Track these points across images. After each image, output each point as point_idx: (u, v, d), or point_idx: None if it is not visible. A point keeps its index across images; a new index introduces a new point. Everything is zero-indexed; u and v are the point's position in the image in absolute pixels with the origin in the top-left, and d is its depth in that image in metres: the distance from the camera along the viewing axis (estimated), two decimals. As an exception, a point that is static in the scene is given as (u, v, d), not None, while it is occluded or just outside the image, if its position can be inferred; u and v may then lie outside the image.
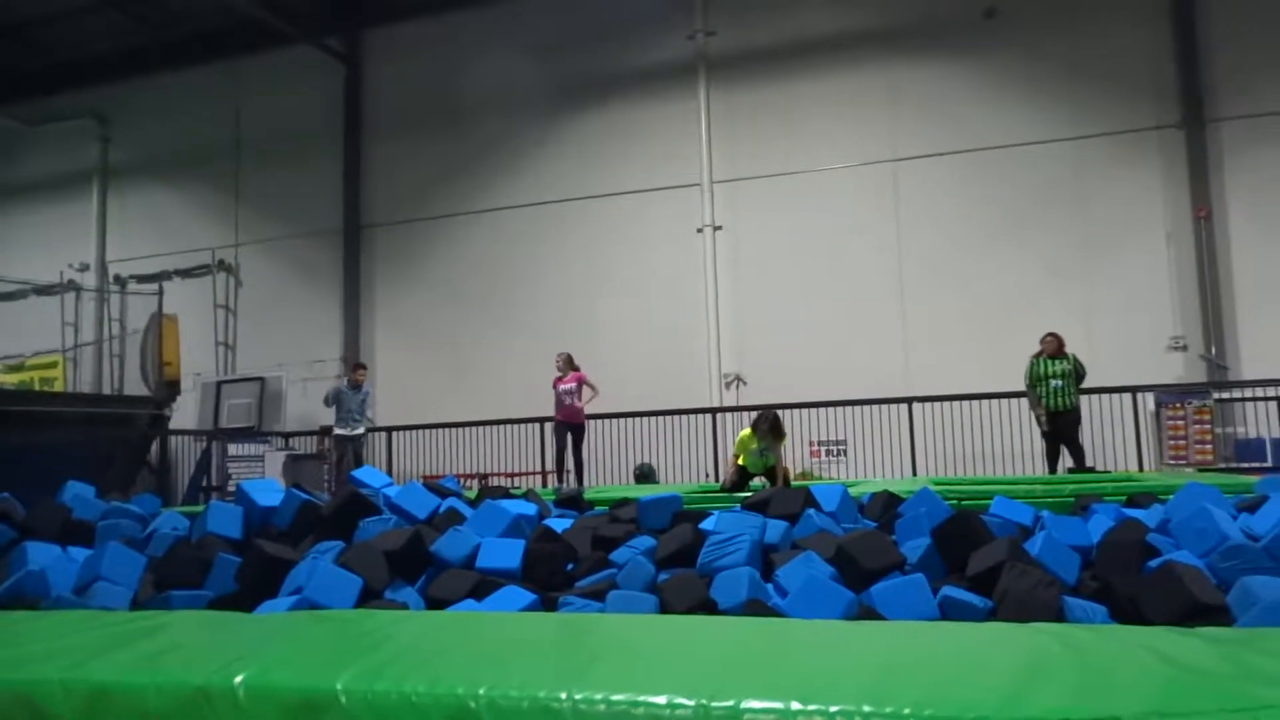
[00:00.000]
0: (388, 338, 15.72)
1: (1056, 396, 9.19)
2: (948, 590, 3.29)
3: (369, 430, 11.48)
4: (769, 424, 8.24)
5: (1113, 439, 10.59)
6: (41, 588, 4.07)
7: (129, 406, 12.90)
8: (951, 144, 13.01)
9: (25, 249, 18.01)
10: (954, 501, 5.70)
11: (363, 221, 16.02)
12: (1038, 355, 9.38)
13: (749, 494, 6.23)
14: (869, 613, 3.19)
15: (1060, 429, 9.30)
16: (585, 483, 10.50)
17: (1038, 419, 9.59)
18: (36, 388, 15.65)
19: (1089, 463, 9.63)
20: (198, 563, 4.19)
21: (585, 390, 10.18)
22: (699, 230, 13.90)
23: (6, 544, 4.97)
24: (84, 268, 17.81)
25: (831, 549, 3.81)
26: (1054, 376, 9.20)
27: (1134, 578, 3.38)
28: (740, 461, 8.36)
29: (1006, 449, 11.57)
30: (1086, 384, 9.59)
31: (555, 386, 10.32)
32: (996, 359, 12.21)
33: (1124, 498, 5.52)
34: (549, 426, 13.14)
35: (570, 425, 10.16)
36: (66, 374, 16.41)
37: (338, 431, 11.26)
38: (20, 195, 18.58)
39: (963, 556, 3.67)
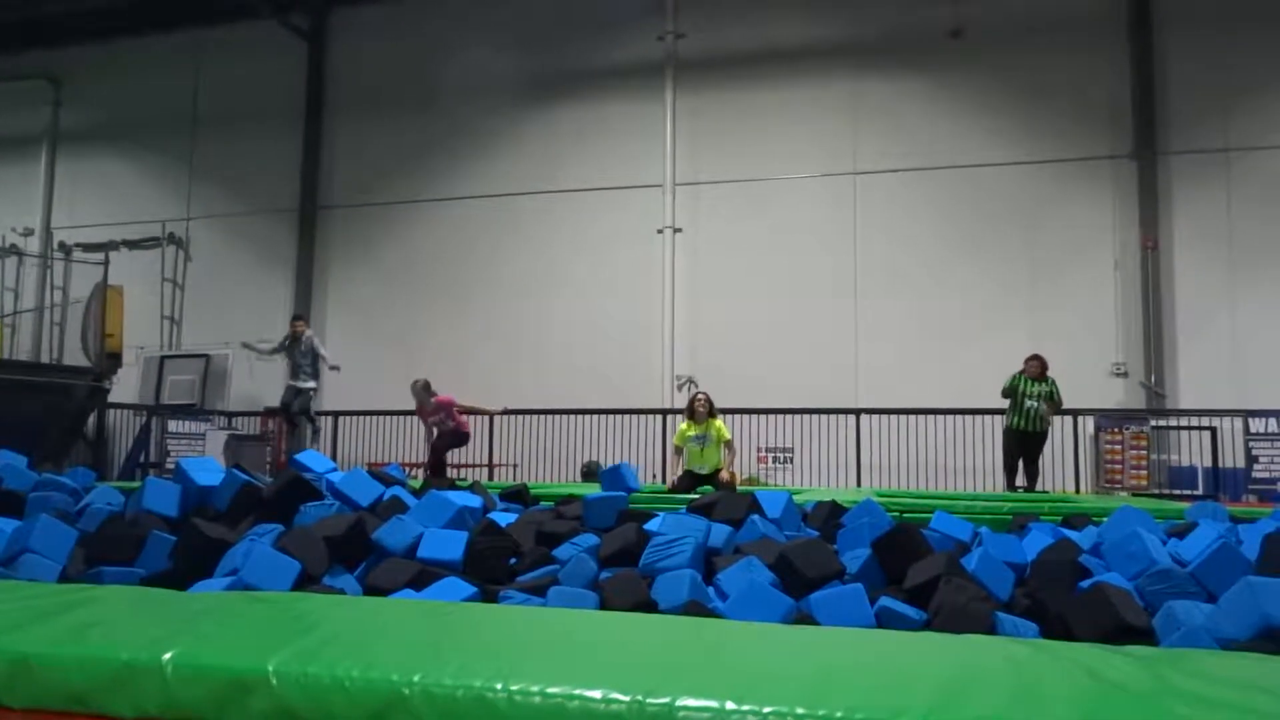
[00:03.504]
0: (339, 322, 15.52)
1: (1030, 418, 9.36)
2: (885, 601, 3.34)
3: (311, 386, 11.37)
4: (706, 402, 8.33)
5: (1051, 460, 10.81)
6: (-35, 557, 3.96)
7: (67, 376, 12.58)
8: (910, 160, 13.20)
9: (-34, 209, 17.48)
10: (896, 514, 5.75)
11: (319, 203, 15.80)
12: (1021, 373, 9.51)
13: (695, 496, 6.25)
14: (807, 620, 3.21)
15: (1028, 448, 9.49)
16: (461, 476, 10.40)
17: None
18: (-29, 353, 15.17)
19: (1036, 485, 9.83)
20: (131, 539, 4.10)
21: (455, 414, 9.73)
22: (659, 231, 13.94)
23: (-70, 511, 4.82)
24: (28, 232, 17.33)
25: (773, 555, 3.83)
26: (1030, 397, 9.36)
27: (1065, 596, 3.45)
28: (689, 466, 8.40)
29: (950, 465, 11.76)
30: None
31: (422, 416, 9.91)
32: (945, 375, 12.43)
33: (1060, 518, 5.64)
34: (499, 420, 13.11)
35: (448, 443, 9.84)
36: (3, 340, 15.94)
37: (288, 383, 11.50)
38: (-36, 154, 18.02)
39: (902, 568, 3.71)
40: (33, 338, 16.55)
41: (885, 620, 3.23)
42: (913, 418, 11.89)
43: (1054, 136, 12.75)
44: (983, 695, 1.82)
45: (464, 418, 9.79)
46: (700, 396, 8.54)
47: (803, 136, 13.61)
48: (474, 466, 12.96)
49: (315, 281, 15.67)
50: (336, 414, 14.00)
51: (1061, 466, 11.18)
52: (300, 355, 11.36)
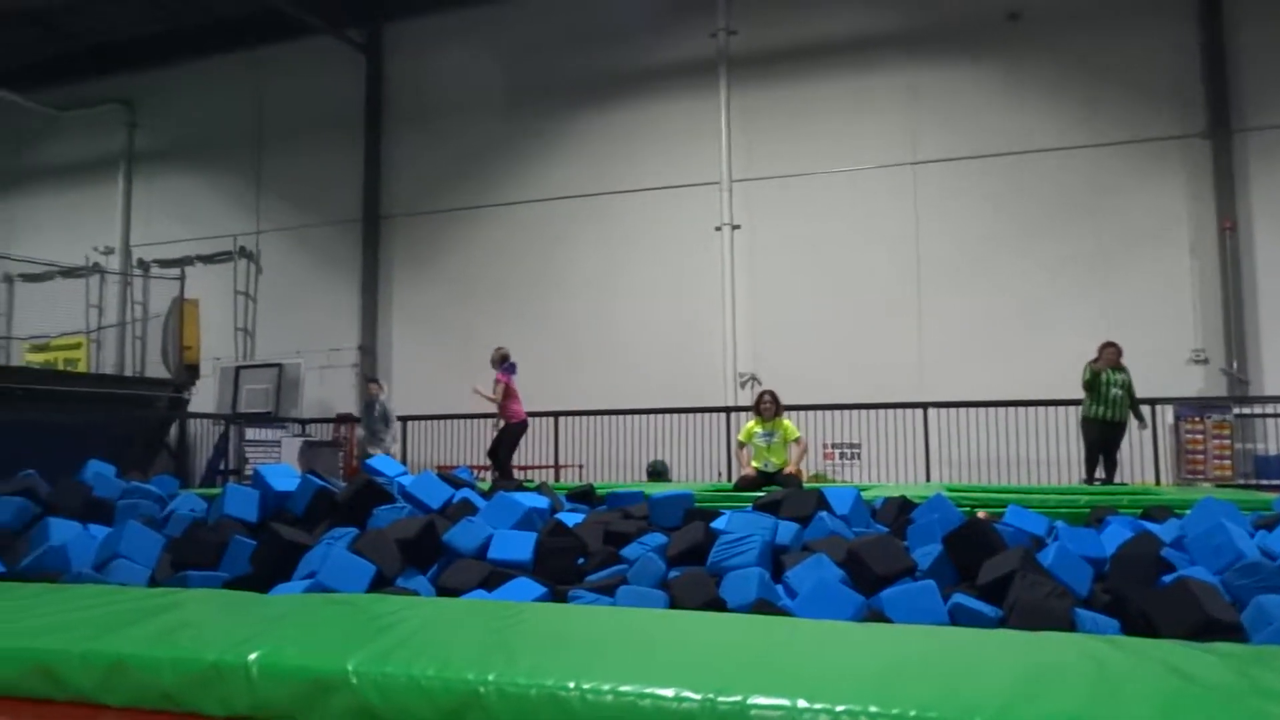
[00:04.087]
0: (404, 328, 15.79)
1: (1115, 407, 9.13)
2: (958, 598, 3.28)
3: (386, 446, 11.42)
4: (773, 400, 8.42)
5: (1130, 452, 10.52)
6: (62, 563, 4.14)
7: (150, 389, 13.03)
8: (971, 148, 12.94)
9: (52, 232, 18.18)
10: (967, 509, 5.67)
11: (382, 212, 16.09)
12: (1096, 361, 9.25)
13: (762, 494, 6.23)
14: (878, 617, 3.19)
15: (1110, 439, 9.26)
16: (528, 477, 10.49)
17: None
18: (61, 368, 15.81)
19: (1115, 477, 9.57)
20: (214, 544, 4.25)
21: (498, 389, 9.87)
22: (717, 229, 13.90)
23: (30, 520, 5.05)
24: (108, 251, 17.97)
25: (842, 552, 3.80)
26: (1114, 386, 9.14)
27: (1147, 592, 3.35)
28: (755, 464, 8.39)
29: (1023, 457, 11.51)
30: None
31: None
32: (1014, 366, 12.16)
33: (1140, 510, 5.49)
34: (564, 421, 13.24)
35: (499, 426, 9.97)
36: (89, 355, 16.58)
37: (368, 449, 11.48)
38: (48, 179, 18.73)
39: (974, 564, 3.64)
40: (116, 352, 17.18)
41: (958, 617, 3.17)
42: (982, 410, 11.67)
43: (1120, 118, 12.37)
44: (1060, 693, 1.78)
45: (518, 405, 9.99)
46: (767, 395, 8.55)
47: (859, 128, 13.44)
48: (540, 468, 13.08)
49: (380, 289, 15.98)
50: (405, 419, 14.25)
51: (1141, 458, 10.87)
52: (374, 419, 11.47)
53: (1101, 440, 9.25)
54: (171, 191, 17.72)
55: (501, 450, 10.09)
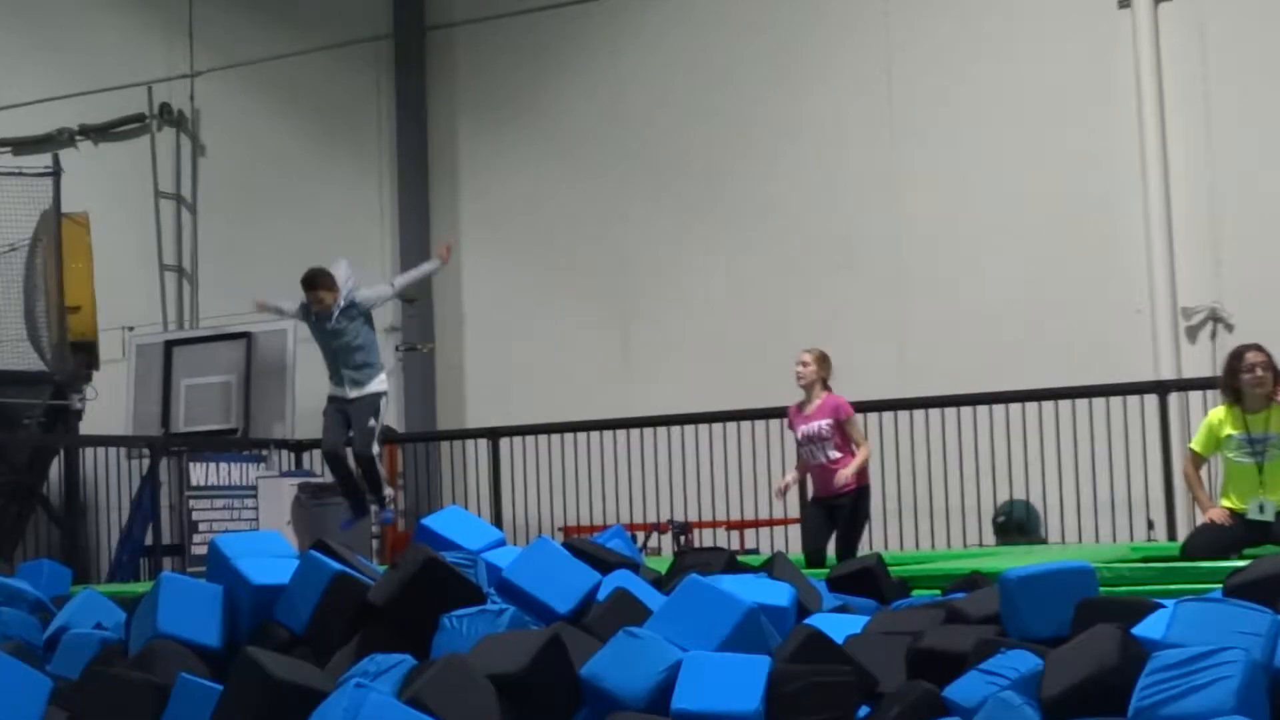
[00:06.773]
0: (480, 244, 16.06)
1: None
2: None
3: (373, 392, 11.66)
4: (1269, 367, 8.26)
5: None
6: None
7: (9, 391, 13.75)
8: None
9: None
10: None
11: (427, 21, 16.44)
12: None
13: (1243, 564, 6.09)
14: None
15: None
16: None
17: None
18: None
19: None
20: (144, 692, 4.48)
21: (848, 435, 9.78)
22: (1122, 5, 13.57)
23: None
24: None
25: None
26: None
27: None
28: (1229, 502, 8.21)
29: None
30: None
31: (793, 425, 10.13)
32: None
33: None
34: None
35: (833, 502, 9.92)
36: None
37: (329, 393, 11.78)
38: None
39: None
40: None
41: None
42: None
43: None
44: None
45: (860, 454, 9.79)
46: (1254, 358, 8.38)
47: None
48: (762, 524, 13.10)
49: (433, 171, 16.29)
50: (495, 432, 14.54)
51: None
52: (335, 336, 11.74)
53: None
54: (26, 7, 18.58)
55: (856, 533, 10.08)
